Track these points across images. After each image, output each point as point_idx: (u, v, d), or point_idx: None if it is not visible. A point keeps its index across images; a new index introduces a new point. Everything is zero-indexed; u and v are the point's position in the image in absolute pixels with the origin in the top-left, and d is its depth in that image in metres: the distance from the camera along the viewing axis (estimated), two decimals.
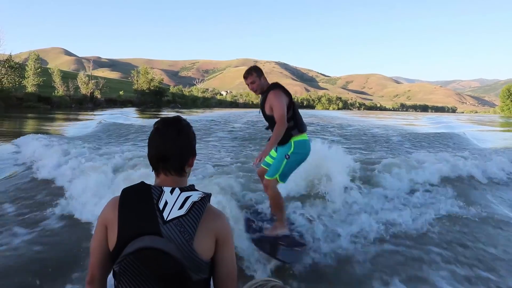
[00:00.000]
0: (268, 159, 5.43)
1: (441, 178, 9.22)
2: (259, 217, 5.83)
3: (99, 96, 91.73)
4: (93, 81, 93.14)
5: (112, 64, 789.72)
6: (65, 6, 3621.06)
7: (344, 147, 14.12)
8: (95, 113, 51.40)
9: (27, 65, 74.12)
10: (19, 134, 17.90)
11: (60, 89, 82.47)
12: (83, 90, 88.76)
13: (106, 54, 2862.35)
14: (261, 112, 5.29)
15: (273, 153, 5.39)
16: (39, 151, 11.33)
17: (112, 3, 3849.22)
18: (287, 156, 5.00)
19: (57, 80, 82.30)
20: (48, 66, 72.82)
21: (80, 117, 41.22)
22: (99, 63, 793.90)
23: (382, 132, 25.87)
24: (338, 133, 24.66)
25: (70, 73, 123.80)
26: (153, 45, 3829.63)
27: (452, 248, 5.39)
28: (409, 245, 5.43)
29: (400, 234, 5.80)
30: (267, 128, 5.36)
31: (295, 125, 5.08)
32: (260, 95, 5.23)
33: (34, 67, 73.96)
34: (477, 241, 5.72)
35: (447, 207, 7.10)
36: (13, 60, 67.99)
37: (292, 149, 5.01)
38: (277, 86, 5.11)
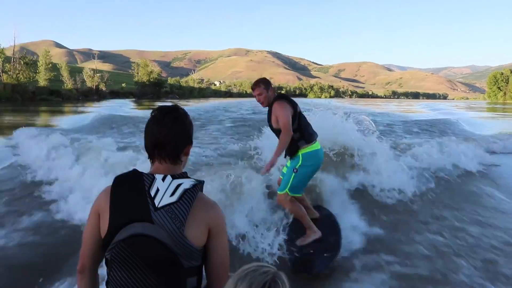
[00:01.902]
0: (284, 168, 5.43)
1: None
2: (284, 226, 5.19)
3: (104, 88, 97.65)
4: (98, 74, 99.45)
5: (104, 56, 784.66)
6: None
7: None
8: (95, 104, 54.56)
9: (38, 61, 78.97)
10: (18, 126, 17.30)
11: (68, 83, 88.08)
12: (89, 83, 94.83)
13: (97, 46, 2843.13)
14: (269, 125, 5.25)
15: (288, 163, 5.32)
16: (30, 144, 11.13)
17: None
18: (295, 170, 4.93)
19: (65, 74, 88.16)
20: (39, 59, 76.91)
21: (81, 109, 42.22)
22: (90, 55, 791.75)
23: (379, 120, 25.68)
24: None
25: (76, 67, 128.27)
26: (145, 36, 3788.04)
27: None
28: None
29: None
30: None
31: (302, 136, 4.98)
32: (267, 107, 5.15)
33: (46, 63, 78.84)
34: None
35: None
36: (27, 57, 73.02)
37: (300, 162, 4.93)
38: (282, 97, 5.07)
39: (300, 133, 4.97)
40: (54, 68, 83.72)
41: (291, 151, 4.98)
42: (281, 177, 5.40)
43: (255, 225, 5.25)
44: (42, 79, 77.00)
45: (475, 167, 9.57)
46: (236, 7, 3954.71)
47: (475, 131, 19.35)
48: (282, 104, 4.90)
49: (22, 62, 69.96)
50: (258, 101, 5.05)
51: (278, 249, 4.71)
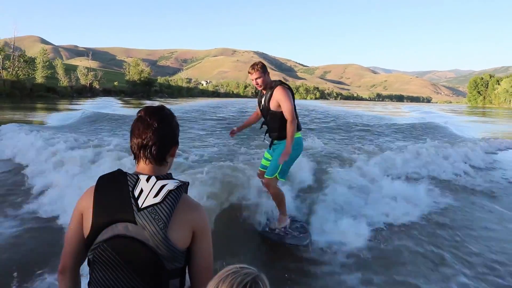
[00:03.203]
0: (264, 161, 5.65)
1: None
2: (260, 212, 5.95)
3: (97, 86, 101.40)
4: (92, 73, 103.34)
5: (89, 53, 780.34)
6: None
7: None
8: (87, 101, 55.39)
9: (36, 58, 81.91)
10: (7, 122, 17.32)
11: (63, 80, 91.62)
12: (83, 81, 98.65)
13: (83, 43, 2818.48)
14: (262, 107, 5.31)
15: (267, 155, 5.60)
16: (17, 141, 11.00)
17: None
18: None
19: (60, 72, 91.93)
20: (36, 57, 79.49)
21: (72, 106, 42.05)
22: (76, 51, 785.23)
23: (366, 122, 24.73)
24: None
25: (70, 65, 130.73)
26: (131, 34, 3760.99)
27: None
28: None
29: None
30: (262, 125, 5.58)
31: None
32: (263, 92, 5.24)
33: (43, 61, 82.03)
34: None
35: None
36: (26, 55, 76.70)
37: None
38: (282, 83, 5.18)
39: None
40: (50, 65, 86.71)
41: (283, 134, 5.07)
42: (261, 169, 5.68)
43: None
44: (39, 76, 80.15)
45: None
46: (223, 6, 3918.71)
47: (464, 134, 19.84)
48: (287, 92, 5.03)
49: (21, 60, 73.37)
50: (256, 84, 5.15)
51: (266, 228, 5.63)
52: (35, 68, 78.84)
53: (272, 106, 5.09)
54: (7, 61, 71.98)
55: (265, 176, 5.29)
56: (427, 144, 12.19)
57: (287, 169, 5.27)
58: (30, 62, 76.55)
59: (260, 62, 5.21)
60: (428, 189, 7.86)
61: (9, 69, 71.54)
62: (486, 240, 5.88)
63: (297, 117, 5.13)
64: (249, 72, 5.17)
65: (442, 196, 7.77)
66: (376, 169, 8.67)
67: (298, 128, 5.17)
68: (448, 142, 13.19)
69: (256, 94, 5.80)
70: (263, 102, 5.23)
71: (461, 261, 5.08)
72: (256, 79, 5.09)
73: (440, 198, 7.64)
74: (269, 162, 5.40)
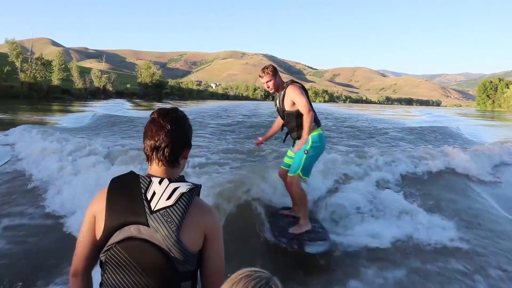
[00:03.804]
0: (286, 159, 5.60)
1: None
2: (280, 215, 5.80)
3: (110, 88, 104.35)
4: (105, 75, 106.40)
5: (99, 55, 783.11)
6: None
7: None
8: (96, 104, 55.69)
9: (52, 61, 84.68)
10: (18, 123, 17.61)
11: (78, 83, 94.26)
12: (96, 83, 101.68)
13: (93, 45, 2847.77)
14: (278, 109, 5.37)
15: (290, 153, 5.55)
16: (29, 143, 10.98)
17: None
18: (305, 151, 5.03)
19: (75, 74, 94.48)
20: (35, 56, 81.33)
21: (84, 108, 42.33)
22: (86, 53, 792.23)
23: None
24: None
25: (84, 68, 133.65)
26: (141, 36, 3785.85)
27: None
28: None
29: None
30: (283, 127, 5.59)
31: (314, 119, 5.08)
32: (276, 93, 5.31)
33: (59, 64, 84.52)
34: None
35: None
36: (43, 58, 79.28)
37: (309, 143, 5.04)
38: (294, 82, 5.27)
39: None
40: (65, 68, 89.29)
41: (301, 132, 5.08)
42: (283, 167, 5.62)
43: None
44: (55, 79, 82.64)
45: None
46: (232, 9, 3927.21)
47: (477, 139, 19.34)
48: (298, 88, 5.10)
49: (39, 63, 76.05)
50: (267, 87, 5.23)
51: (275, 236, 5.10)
52: (52, 71, 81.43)
53: (287, 105, 5.15)
54: (25, 64, 74.48)
55: (288, 174, 5.29)
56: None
57: (310, 167, 5.21)
58: (47, 64, 79.27)
59: (271, 65, 5.28)
60: None
61: (27, 72, 74.05)
62: None
63: (315, 113, 5.13)
64: (259, 76, 5.27)
65: None
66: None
67: (318, 124, 5.20)
68: None
69: (266, 97, 6.76)
70: (278, 104, 5.32)
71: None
72: (266, 82, 5.19)
73: None
74: (291, 160, 5.34)
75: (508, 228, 6.36)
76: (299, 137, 5.17)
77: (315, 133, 5.11)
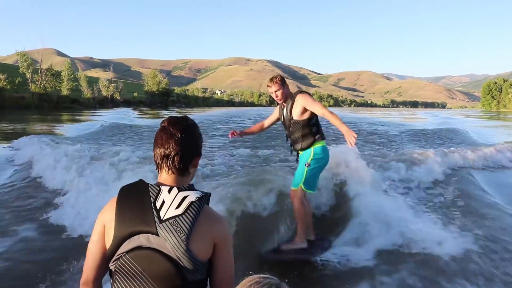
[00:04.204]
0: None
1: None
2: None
3: (118, 97, 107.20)
4: (113, 84, 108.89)
5: (105, 64, 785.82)
6: (57, 7, 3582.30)
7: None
8: (104, 112, 56.14)
9: (61, 72, 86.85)
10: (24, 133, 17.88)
11: (87, 92, 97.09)
12: (104, 93, 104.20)
13: (98, 54, 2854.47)
14: (283, 119, 5.29)
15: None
16: (38, 152, 11.04)
17: (103, 3, 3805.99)
18: (307, 164, 4.98)
19: (83, 84, 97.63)
20: (41, 67, 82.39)
21: (92, 117, 42.33)
22: (91, 63, 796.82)
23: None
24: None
25: (92, 78, 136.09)
26: (145, 45, 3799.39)
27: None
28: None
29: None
30: (287, 139, 5.42)
31: (318, 130, 5.11)
32: (284, 104, 5.21)
33: (68, 74, 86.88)
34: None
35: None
36: (53, 69, 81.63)
37: (311, 156, 5.01)
38: (303, 91, 5.21)
39: (317, 128, 5.12)
40: (74, 78, 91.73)
41: (306, 144, 5.06)
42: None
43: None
44: (64, 89, 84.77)
45: None
46: (236, 16, 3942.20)
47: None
48: (310, 96, 5.09)
49: (49, 74, 78.23)
50: (276, 97, 5.15)
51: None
52: (61, 81, 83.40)
53: (295, 114, 5.07)
54: (35, 75, 76.60)
55: (291, 187, 5.19)
56: None
57: (313, 180, 5.08)
58: (57, 75, 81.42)
59: (279, 75, 5.26)
60: None
61: (37, 82, 76.04)
62: None
63: (320, 127, 5.18)
64: (268, 86, 5.20)
65: None
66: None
67: (322, 137, 5.15)
68: None
69: (271, 103, 7.27)
70: (284, 114, 5.22)
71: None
72: (275, 91, 5.11)
73: None
74: None
75: None
76: (302, 149, 5.14)
77: (318, 145, 5.09)
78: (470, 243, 5.39)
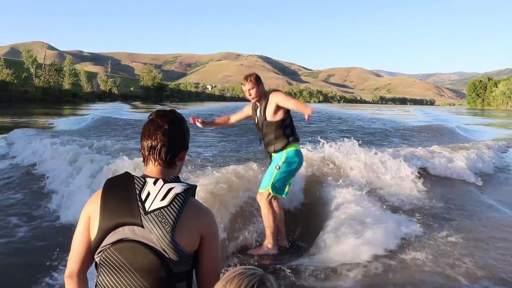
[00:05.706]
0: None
1: None
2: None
3: (116, 91, 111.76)
4: (111, 79, 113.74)
5: (94, 58, 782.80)
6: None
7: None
8: (101, 106, 57.82)
9: (63, 67, 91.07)
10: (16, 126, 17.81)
11: (86, 87, 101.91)
12: (103, 87, 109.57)
13: (88, 48, 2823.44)
14: (257, 121, 5.11)
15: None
16: (30, 145, 10.79)
17: None
18: (277, 167, 4.84)
19: (83, 79, 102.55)
20: (45, 63, 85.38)
21: (87, 111, 41.20)
22: (80, 57, 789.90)
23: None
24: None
25: (92, 73, 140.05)
26: (135, 39, 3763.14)
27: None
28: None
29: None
30: (260, 141, 5.24)
31: (292, 132, 4.99)
32: (257, 104, 5.04)
33: (69, 69, 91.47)
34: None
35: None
36: (56, 64, 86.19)
37: (283, 159, 4.87)
38: (277, 90, 5.06)
39: (291, 129, 5.00)
40: (74, 73, 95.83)
41: (280, 146, 4.92)
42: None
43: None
44: (66, 83, 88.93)
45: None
46: (226, 11, 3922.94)
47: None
48: (285, 93, 4.97)
49: (53, 69, 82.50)
50: (249, 95, 4.95)
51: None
52: (63, 76, 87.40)
53: (269, 114, 4.91)
54: (39, 70, 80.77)
55: (258, 190, 5.03)
56: None
57: (282, 184, 4.92)
58: (60, 70, 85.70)
59: (254, 73, 5.05)
60: None
61: (41, 77, 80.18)
62: None
63: (294, 129, 5.06)
64: (242, 84, 5.03)
65: None
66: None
67: (296, 140, 5.01)
68: None
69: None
70: (258, 115, 5.07)
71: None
72: (249, 90, 4.91)
73: None
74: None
75: None
76: (275, 151, 4.97)
77: (291, 148, 4.94)
78: (447, 243, 5.25)
